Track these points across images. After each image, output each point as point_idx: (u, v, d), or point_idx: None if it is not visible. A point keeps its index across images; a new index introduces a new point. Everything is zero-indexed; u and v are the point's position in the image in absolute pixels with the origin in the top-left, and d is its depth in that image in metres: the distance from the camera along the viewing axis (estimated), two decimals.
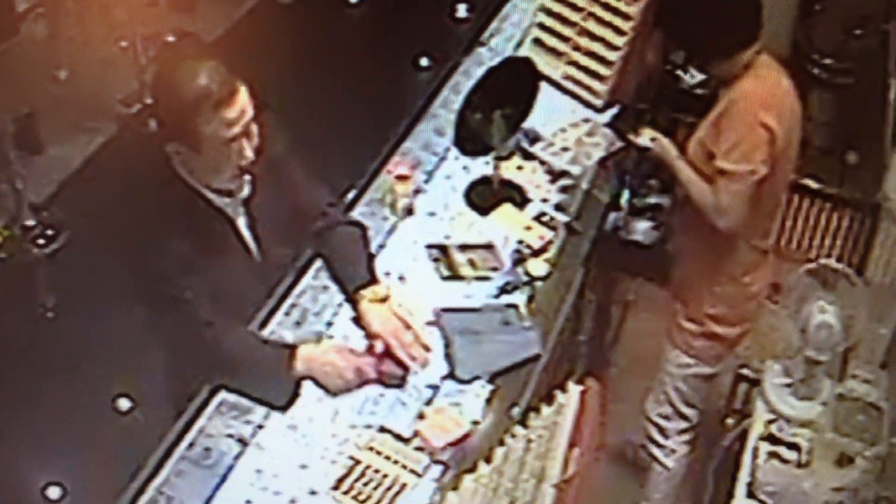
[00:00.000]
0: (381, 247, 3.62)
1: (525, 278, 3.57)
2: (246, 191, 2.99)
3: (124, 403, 4.13)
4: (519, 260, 3.62)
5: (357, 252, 3.10)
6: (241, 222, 3.03)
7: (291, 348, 2.83)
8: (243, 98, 2.80)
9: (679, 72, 4.14)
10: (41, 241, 4.84)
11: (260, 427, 3.05)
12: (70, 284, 4.64)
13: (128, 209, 3.03)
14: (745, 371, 4.11)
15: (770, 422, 3.68)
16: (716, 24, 3.44)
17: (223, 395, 3.09)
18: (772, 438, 3.64)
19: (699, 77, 3.82)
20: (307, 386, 3.03)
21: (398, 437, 3.06)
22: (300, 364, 2.79)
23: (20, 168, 4.88)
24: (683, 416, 4.00)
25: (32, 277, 4.71)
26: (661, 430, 4.04)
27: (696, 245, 3.74)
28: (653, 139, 3.65)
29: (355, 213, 3.66)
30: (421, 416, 3.11)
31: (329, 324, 3.35)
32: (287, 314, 3.36)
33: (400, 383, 2.89)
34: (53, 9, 5.78)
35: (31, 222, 4.86)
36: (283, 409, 2.82)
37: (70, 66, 5.75)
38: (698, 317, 3.79)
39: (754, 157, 3.43)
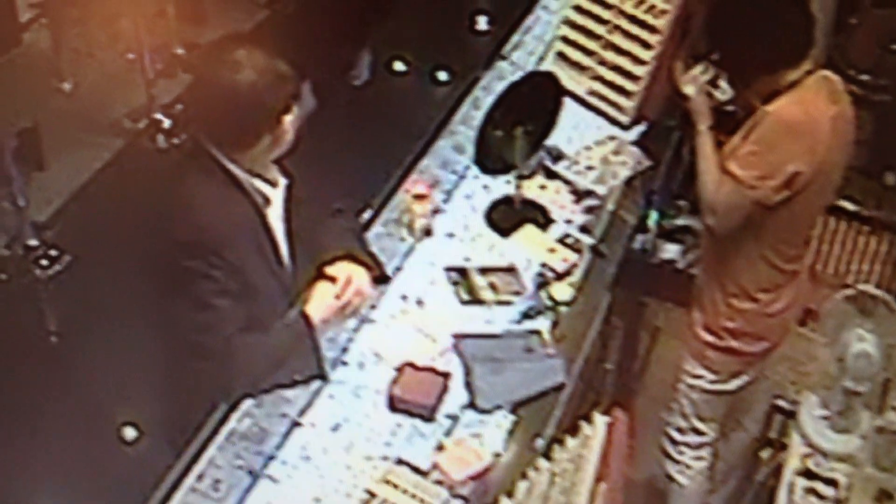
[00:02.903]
0: (398, 269, 3.62)
1: (548, 303, 3.56)
2: (282, 180, 3.13)
3: (130, 432, 4.14)
4: (542, 284, 3.61)
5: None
6: (274, 214, 3.11)
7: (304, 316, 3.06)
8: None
9: (710, 87, 4.13)
10: (44, 262, 4.86)
11: (272, 458, 3.05)
12: (74, 307, 4.66)
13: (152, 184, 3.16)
14: (780, 402, 4.09)
15: (807, 456, 3.65)
16: (764, 37, 3.42)
17: (233, 423, 3.10)
18: (808, 473, 3.61)
19: (730, 93, 3.81)
20: (320, 415, 3.07)
21: (416, 470, 3.05)
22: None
23: (22, 184, 4.90)
24: (697, 431, 3.99)
25: (35, 300, 4.74)
26: (676, 445, 4.04)
27: (714, 253, 3.75)
28: (695, 91, 3.65)
29: (371, 234, 3.69)
30: (440, 448, 3.11)
31: (343, 349, 3.35)
32: None
33: (427, 415, 2.92)
34: (57, 19, 5.81)
35: (33, 242, 4.89)
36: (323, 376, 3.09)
37: (74, 78, 5.80)
38: (715, 328, 3.79)
39: (763, 177, 3.43)
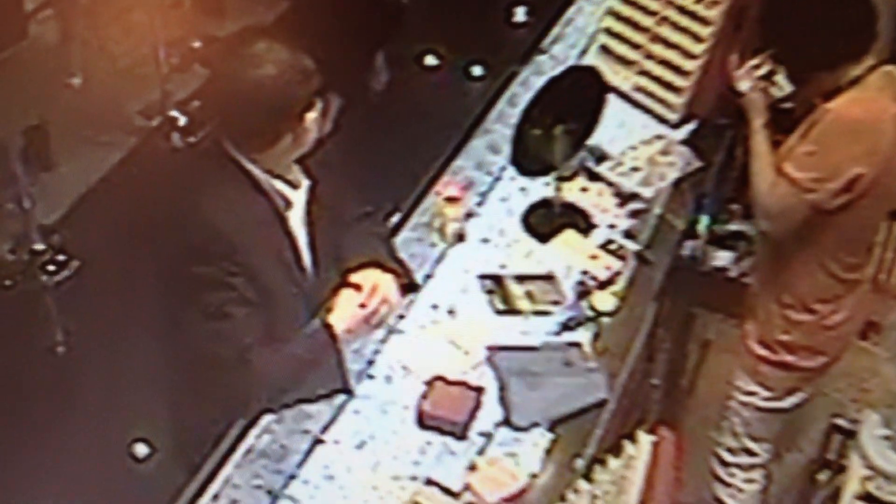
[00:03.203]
0: (429, 277, 3.66)
1: (590, 313, 3.59)
2: (305, 181, 3.16)
3: (141, 449, 4.17)
4: (583, 293, 3.64)
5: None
6: (295, 218, 3.15)
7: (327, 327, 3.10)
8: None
9: (766, 83, 4.14)
10: (51, 268, 4.92)
11: (293, 477, 3.08)
12: (83, 316, 4.71)
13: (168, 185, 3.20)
14: (839, 421, 4.09)
15: (867, 479, 3.66)
16: (823, 31, 3.44)
17: (251, 440, 3.14)
18: (869, 498, 3.62)
19: (788, 89, 3.82)
20: (345, 432, 3.10)
21: (446, 491, 3.07)
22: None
23: (28, 186, 4.94)
24: (750, 452, 3.99)
25: (41, 307, 4.78)
26: (726, 466, 4.04)
27: (769, 261, 3.76)
28: (753, 87, 3.66)
29: (400, 239, 3.71)
30: (472, 468, 3.13)
31: (370, 362, 3.39)
32: None
33: (459, 432, 2.94)
34: (66, 9, 5.87)
35: (39, 246, 4.94)
36: (345, 388, 3.13)
37: (84, 73, 5.86)
38: (770, 341, 3.80)
39: (821, 179, 3.44)
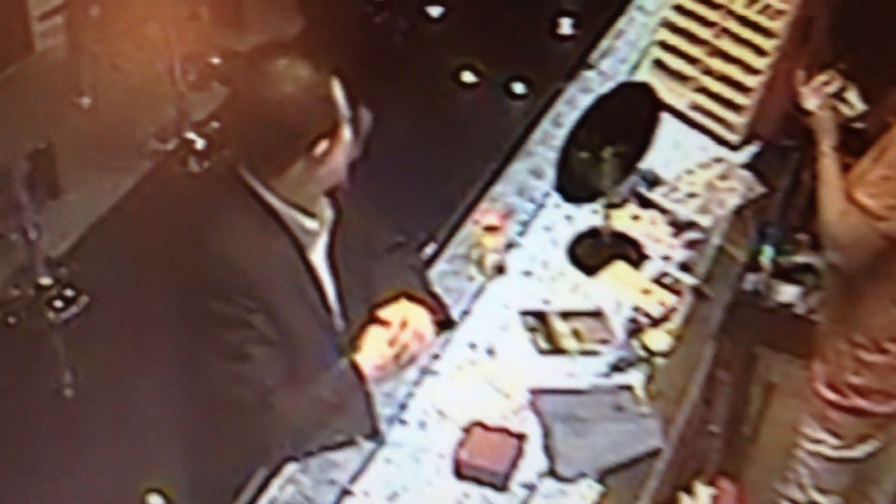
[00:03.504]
0: (466, 313, 3.67)
1: (642, 354, 3.60)
2: (329, 213, 3.18)
3: (155, 501, 4.18)
4: (634, 331, 3.65)
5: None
6: (318, 251, 3.17)
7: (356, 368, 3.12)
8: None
9: (836, 101, 4.15)
10: (58, 304, 4.95)
11: None
12: (92, 356, 4.73)
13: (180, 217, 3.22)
14: None
15: None
16: None
17: (274, 491, 3.16)
18: None
19: (860, 107, 3.83)
20: (375, 482, 3.11)
21: None
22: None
23: (34, 214, 4.97)
24: None
25: (47, 347, 4.81)
26: None
27: (839, 296, 3.75)
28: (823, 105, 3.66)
29: (435, 272, 3.74)
30: None
31: (402, 406, 3.40)
32: None
33: (500, 483, 2.94)
34: (75, 23, 5.88)
35: (46, 280, 4.98)
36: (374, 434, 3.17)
37: (94, 91, 5.88)
38: (839, 384, 3.79)
39: (895, 205, 3.43)
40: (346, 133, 3.05)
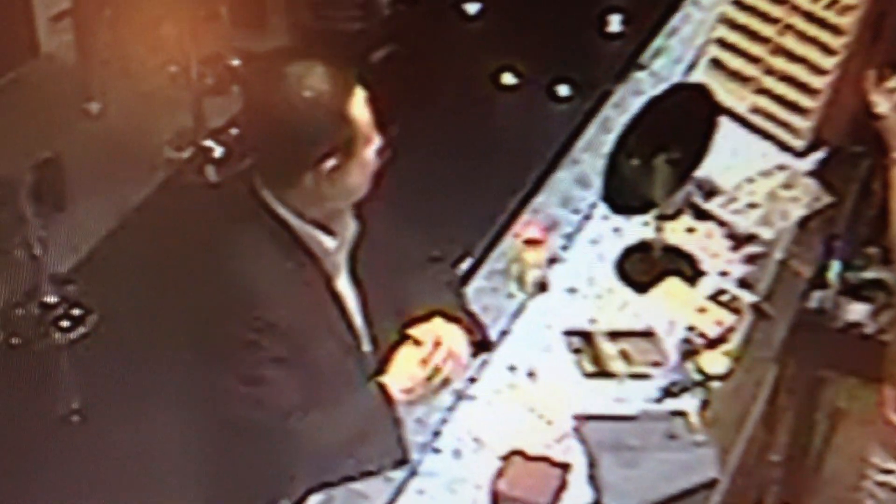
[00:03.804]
0: (505, 333, 3.68)
1: (697, 377, 3.60)
2: (352, 228, 3.21)
3: None
4: (689, 352, 3.66)
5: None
6: (338, 272, 3.21)
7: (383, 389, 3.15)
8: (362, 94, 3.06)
9: None
10: (65, 324, 5.01)
11: None
12: (101, 379, 4.77)
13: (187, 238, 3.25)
14: None
15: None
16: None
17: None
18: None
19: None
20: None
21: None
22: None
23: (39, 229, 5.03)
24: None
25: (54, 370, 4.86)
26: None
27: None
28: None
29: (471, 289, 3.76)
30: None
31: (435, 433, 3.41)
32: None
33: None
34: (84, 23, 5.95)
35: (52, 299, 5.04)
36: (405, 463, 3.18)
37: (104, 96, 5.95)
38: None
39: None
40: (365, 153, 3.07)
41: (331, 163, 3.01)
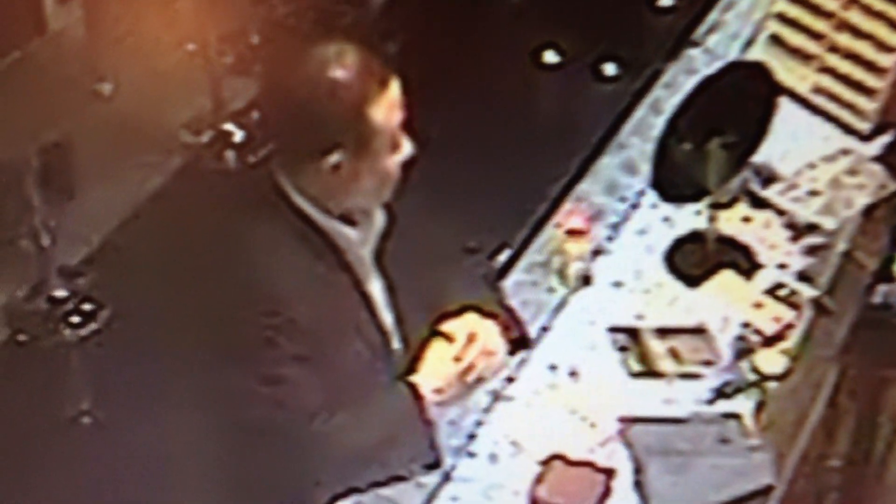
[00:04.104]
0: (545, 329, 3.72)
1: (752, 377, 3.63)
2: (380, 220, 3.23)
3: None
4: (744, 351, 3.69)
5: None
6: (363, 265, 3.23)
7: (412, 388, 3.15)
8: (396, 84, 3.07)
9: None
10: (75, 319, 5.05)
11: None
12: (113, 378, 4.81)
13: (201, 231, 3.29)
14: None
15: None
16: None
17: None
18: None
19: None
20: None
21: None
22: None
23: (47, 217, 5.09)
24: None
25: (63, 368, 4.89)
26: None
27: None
28: None
29: (510, 283, 3.79)
30: None
31: (470, 436, 3.46)
32: None
33: None
34: None
35: (61, 293, 5.09)
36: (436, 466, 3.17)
37: (116, 77, 5.98)
38: None
39: None
40: (383, 158, 3.09)
41: (334, 158, 3.03)
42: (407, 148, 3.12)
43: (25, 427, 4.66)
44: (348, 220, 3.19)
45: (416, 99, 3.13)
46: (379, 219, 3.25)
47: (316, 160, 3.05)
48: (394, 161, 3.11)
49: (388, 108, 3.05)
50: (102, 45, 5.98)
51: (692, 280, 3.89)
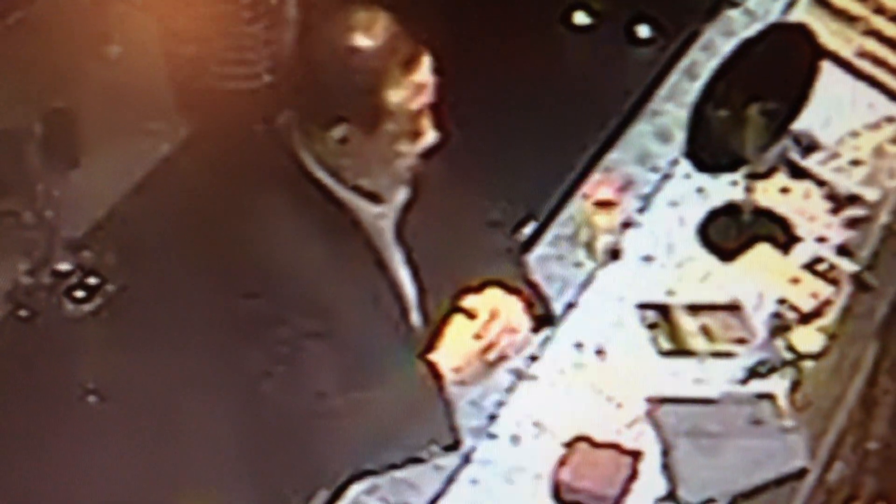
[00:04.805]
0: (571, 305, 3.75)
1: (788, 356, 3.66)
2: (402, 195, 3.30)
3: None
4: (779, 328, 3.72)
5: None
6: (384, 237, 3.31)
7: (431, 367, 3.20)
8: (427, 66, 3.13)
9: None
10: (79, 294, 5.12)
11: None
12: (119, 356, 4.86)
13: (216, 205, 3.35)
14: None
15: None
16: None
17: None
18: None
19: None
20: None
21: None
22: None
23: (50, 188, 5.17)
24: None
25: (67, 345, 4.95)
26: None
27: None
28: None
29: (534, 256, 3.84)
30: None
31: (491, 417, 3.49)
32: None
33: None
34: None
35: (65, 266, 5.16)
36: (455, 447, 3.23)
37: (123, 39, 5.99)
38: None
39: None
40: (399, 143, 3.16)
41: (339, 131, 3.11)
42: (429, 137, 3.18)
43: (28, 406, 4.72)
44: (368, 193, 3.25)
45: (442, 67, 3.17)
46: (401, 192, 3.31)
47: (324, 130, 3.12)
48: (412, 148, 3.17)
49: (409, 90, 3.11)
50: (109, 4, 5.99)
51: (726, 254, 3.91)
